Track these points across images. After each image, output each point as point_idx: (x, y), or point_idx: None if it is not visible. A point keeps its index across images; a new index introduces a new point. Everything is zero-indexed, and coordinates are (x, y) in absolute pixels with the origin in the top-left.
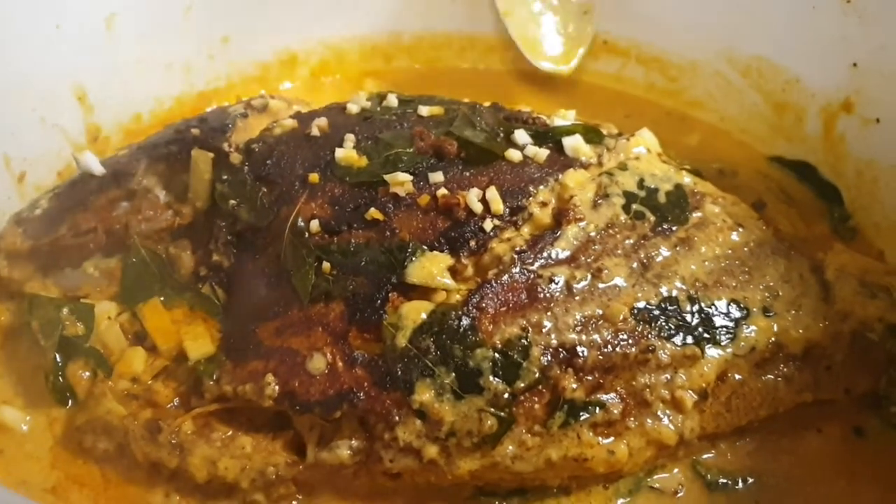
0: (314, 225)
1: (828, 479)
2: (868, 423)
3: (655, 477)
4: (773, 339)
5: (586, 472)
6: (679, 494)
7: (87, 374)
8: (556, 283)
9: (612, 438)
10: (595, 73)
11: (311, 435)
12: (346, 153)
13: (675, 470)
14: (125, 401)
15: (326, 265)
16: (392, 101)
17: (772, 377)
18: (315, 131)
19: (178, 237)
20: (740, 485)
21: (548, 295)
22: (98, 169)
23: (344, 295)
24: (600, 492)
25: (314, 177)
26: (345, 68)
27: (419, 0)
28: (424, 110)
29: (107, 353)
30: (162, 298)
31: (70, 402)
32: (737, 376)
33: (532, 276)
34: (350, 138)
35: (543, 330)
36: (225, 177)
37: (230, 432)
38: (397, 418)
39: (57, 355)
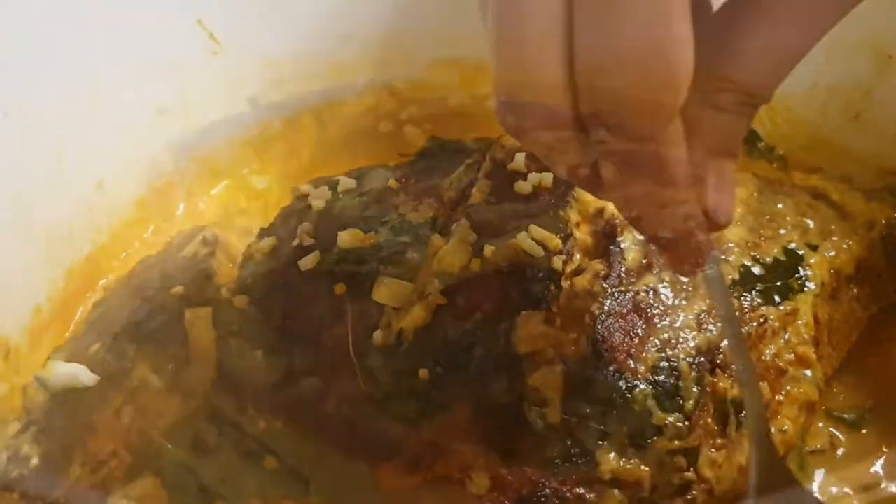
0: (377, 336)
1: None
2: None
3: (809, 442)
4: (830, 268)
5: None
6: (839, 447)
7: None
8: (656, 294)
9: (776, 418)
10: None
11: None
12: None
13: (820, 424)
14: None
15: (423, 372)
16: (348, 182)
17: (846, 303)
18: (306, 240)
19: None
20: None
21: (657, 309)
22: (89, 377)
23: (462, 395)
24: None
25: (340, 287)
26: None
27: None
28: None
29: None
30: None
31: None
32: (825, 314)
33: (631, 294)
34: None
35: (674, 342)
36: (235, 328)
37: None
38: (595, 498)
39: None
